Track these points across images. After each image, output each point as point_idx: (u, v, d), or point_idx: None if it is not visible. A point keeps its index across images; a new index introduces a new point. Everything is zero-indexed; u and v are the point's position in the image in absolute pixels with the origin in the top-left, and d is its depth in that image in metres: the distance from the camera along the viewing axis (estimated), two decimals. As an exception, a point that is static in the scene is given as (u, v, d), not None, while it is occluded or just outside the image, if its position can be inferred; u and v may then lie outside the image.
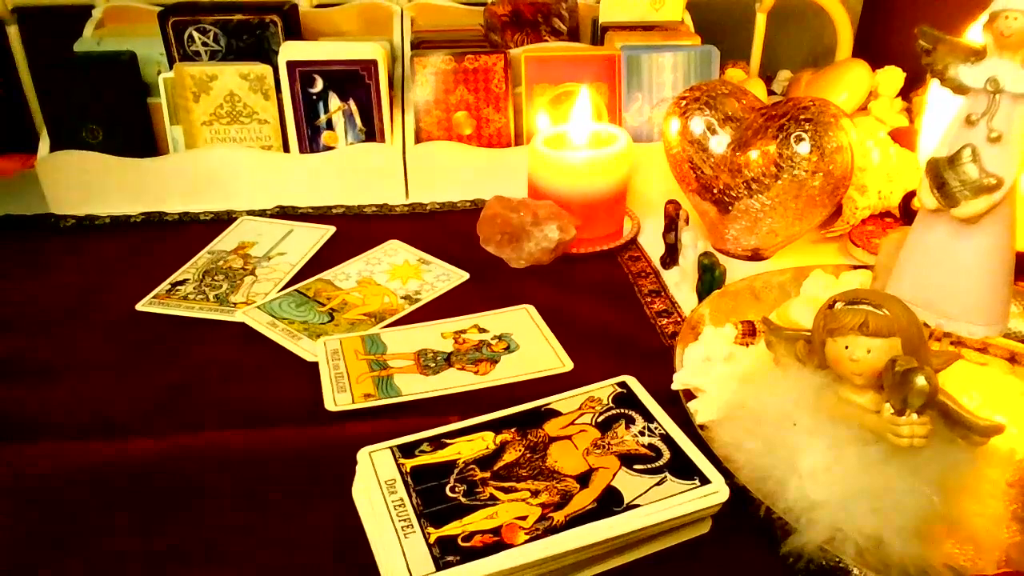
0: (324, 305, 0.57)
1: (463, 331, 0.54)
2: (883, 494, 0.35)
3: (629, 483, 0.37)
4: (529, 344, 0.53)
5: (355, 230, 0.67)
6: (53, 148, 0.71)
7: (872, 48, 0.93)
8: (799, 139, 0.56)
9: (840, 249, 0.65)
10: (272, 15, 0.74)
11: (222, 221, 0.69)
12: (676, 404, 0.44)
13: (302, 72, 0.70)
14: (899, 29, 0.97)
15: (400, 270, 0.61)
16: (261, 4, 0.75)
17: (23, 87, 0.78)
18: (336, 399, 0.47)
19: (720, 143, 0.61)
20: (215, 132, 0.73)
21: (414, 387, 0.48)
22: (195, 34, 0.73)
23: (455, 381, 0.49)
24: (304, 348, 0.52)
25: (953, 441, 0.37)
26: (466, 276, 0.61)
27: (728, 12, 0.96)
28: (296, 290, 0.59)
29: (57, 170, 0.70)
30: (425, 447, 0.40)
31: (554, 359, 0.51)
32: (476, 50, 0.74)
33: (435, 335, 0.53)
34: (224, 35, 0.74)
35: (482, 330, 0.54)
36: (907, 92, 0.82)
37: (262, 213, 0.71)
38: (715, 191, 0.61)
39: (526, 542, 0.34)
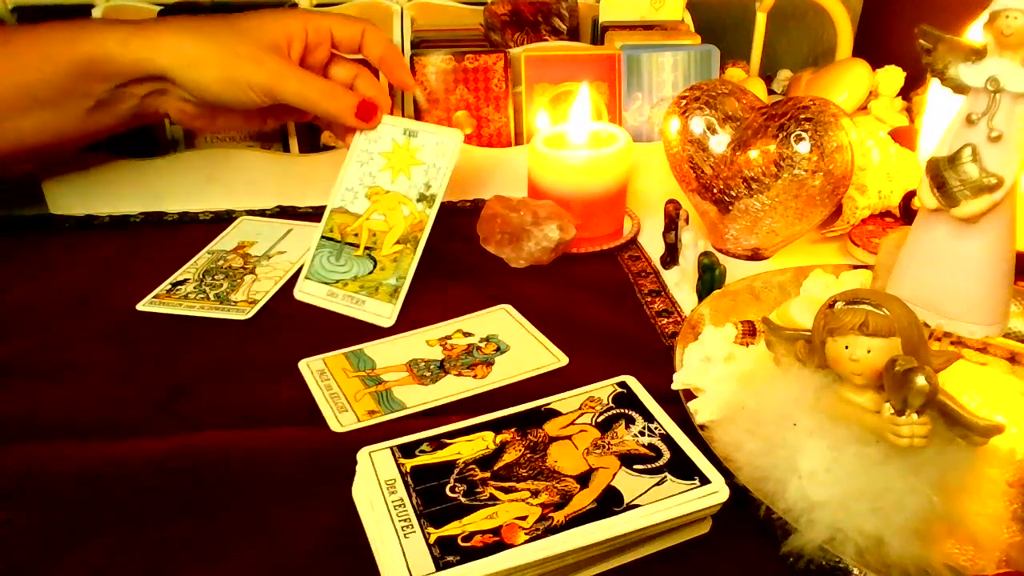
0: (357, 246, 0.55)
1: (448, 337, 0.54)
2: (883, 494, 0.35)
3: (629, 483, 0.37)
4: (518, 343, 0.53)
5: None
6: (53, 148, 0.71)
7: (872, 48, 0.93)
8: (799, 138, 0.56)
9: (840, 249, 0.65)
10: (272, 15, 0.74)
11: (222, 221, 0.69)
12: (676, 404, 0.44)
13: (302, 72, 0.70)
14: (899, 29, 0.97)
15: (395, 158, 0.58)
16: (261, 4, 0.75)
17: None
18: (340, 419, 0.46)
19: (720, 143, 0.61)
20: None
21: (416, 398, 0.48)
22: (195, 34, 0.73)
23: (456, 387, 0.49)
24: (373, 312, 0.51)
25: (953, 441, 0.37)
26: (459, 134, 0.58)
27: (728, 12, 0.96)
28: (323, 237, 0.57)
29: (57, 170, 0.70)
30: (425, 447, 0.40)
31: (547, 355, 0.51)
32: (476, 49, 0.74)
33: (420, 344, 0.53)
34: (224, 35, 0.74)
35: (467, 334, 0.54)
36: (907, 92, 0.82)
37: (262, 213, 0.71)
38: (715, 191, 0.61)
39: (526, 542, 0.34)
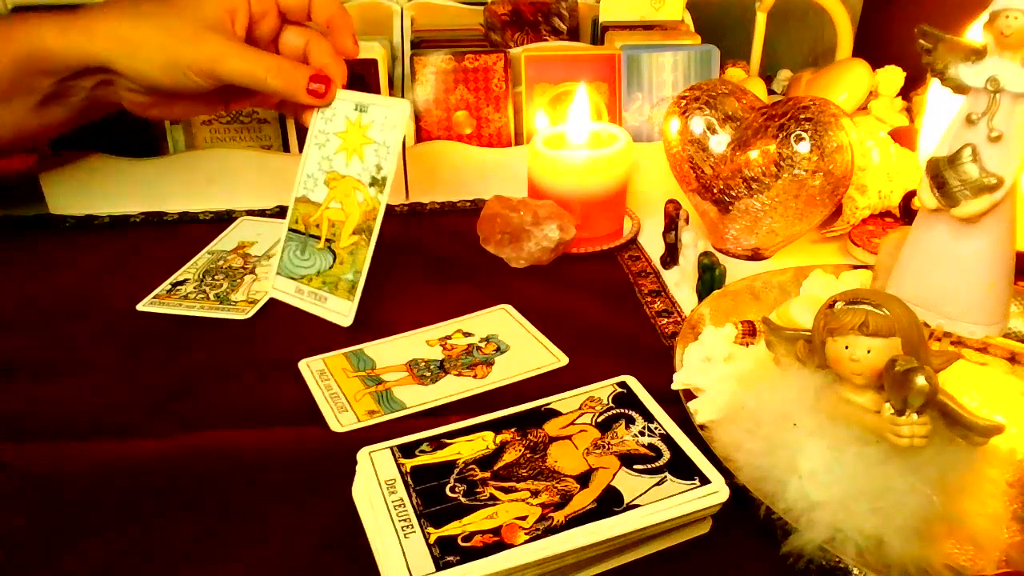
0: (319, 238, 0.53)
1: (448, 336, 0.54)
2: (883, 494, 0.35)
3: (629, 483, 0.37)
4: (518, 343, 0.53)
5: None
6: (53, 148, 0.71)
7: (872, 48, 0.93)
8: (799, 138, 0.56)
9: (840, 249, 0.65)
10: (272, 15, 0.74)
11: (222, 221, 0.69)
12: (676, 404, 0.44)
13: (302, 72, 0.70)
14: (899, 29, 0.97)
15: (348, 137, 0.55)
16: None
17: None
18: (340, 419, 0.46)
19: (720, 143, 0.61)
20: (215, 132, 0.73)
21: (416, 398, 0.48)
22: (195, 34, 0.73)
23: (456, 387, 0.49)
24: (333, 310, 0.51)
25: (953, 441, 0.37)
26: (407, 104, 0.54)
27: (728, 12, 0.96)
28: (290, 229, 0.56)
29: (57, 170, 0.70)
30: (425, 447, 0.40)
31: (548, 355, 0.51)
32: (476, 49, 0.74)
33: (421, 343, 0.53)
34: (224, 35, 0.74)
35: (467, 334, 0.54)
36: (907, 92, 0.82)
37: (262, 213, 0.71)
38: (715, 191, 0.61)
39: (526, 542, 0.34)
